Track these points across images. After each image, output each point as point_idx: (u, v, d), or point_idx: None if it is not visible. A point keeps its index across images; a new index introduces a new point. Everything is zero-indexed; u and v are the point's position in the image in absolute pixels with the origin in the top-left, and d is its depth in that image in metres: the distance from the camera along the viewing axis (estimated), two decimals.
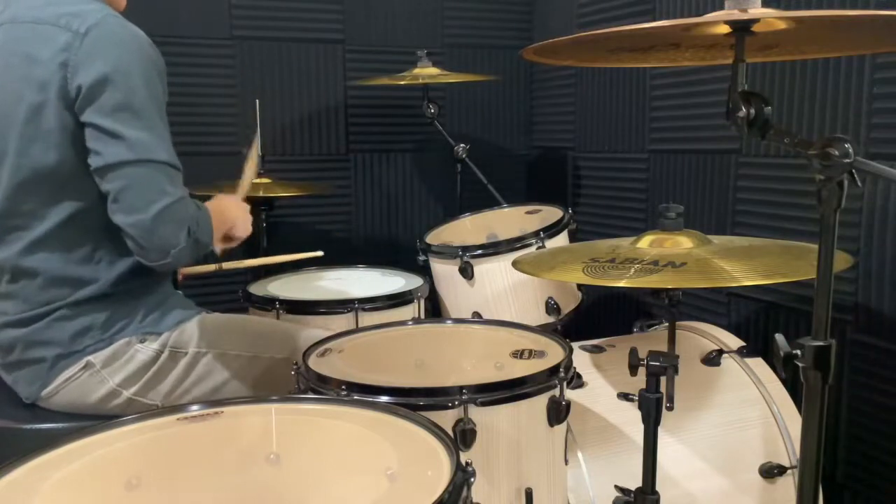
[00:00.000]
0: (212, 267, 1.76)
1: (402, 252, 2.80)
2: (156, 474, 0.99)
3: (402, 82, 2.43)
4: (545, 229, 1.99)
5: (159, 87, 1.38)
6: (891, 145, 1.66)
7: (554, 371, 1.27)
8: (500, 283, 1.99)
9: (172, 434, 1.08)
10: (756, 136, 1.03)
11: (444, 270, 2.08)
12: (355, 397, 1.17)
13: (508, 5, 2.94)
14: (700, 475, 1.50)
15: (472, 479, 0.89)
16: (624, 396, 1.51)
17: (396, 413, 1.08)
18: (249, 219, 1.63)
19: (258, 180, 2.31)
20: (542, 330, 1.51)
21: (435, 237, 2.23)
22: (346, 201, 2.80)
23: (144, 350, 1.46)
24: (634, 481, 1.30)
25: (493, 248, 1.99)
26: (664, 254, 1.28)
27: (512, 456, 1.26)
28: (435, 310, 2.19)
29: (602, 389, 1.56)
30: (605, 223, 2.62)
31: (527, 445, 1.26)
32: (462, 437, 1.18)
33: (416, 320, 1.89)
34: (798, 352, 0.96)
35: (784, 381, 1.60)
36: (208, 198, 1.57)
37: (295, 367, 1.31)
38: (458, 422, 1.19)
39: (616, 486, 1.39)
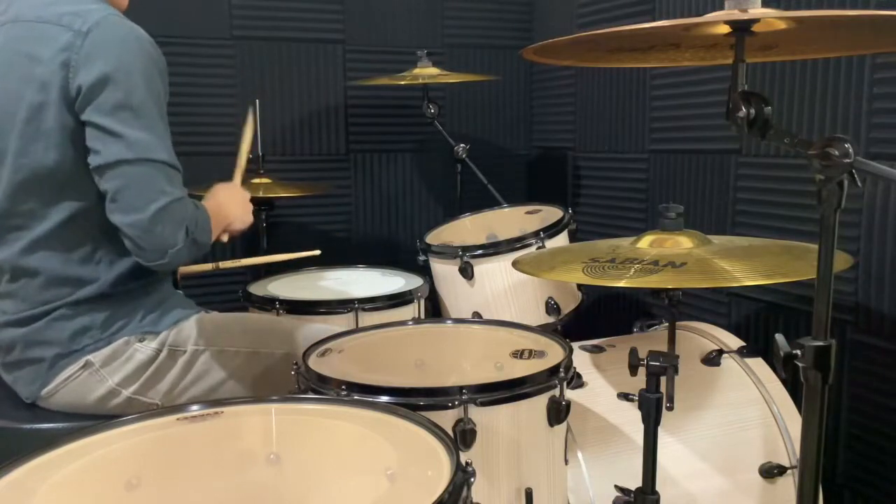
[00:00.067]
0: (209, 266, 1.76)
1: (402, 252, 2.80)
2: (156, 474, 0.99)
3: (402, 82, 2.43)
4: (545, 229, 1.99)
5: (160, 87, 1.38)
6: (891, 145, 1.66)
7: (554, 371, 1.27)
8: (500, 283, 1.99)
9: (172, 434, 1.08)
10: (756, 136, 1.03)
11: (444, 270, 2.08)
12: (355, 397, 1.17)
13: (508, 5, 2.94)
14: (700, 475, 1.50)
15: (472, 479, 0.89)
16: (624, 396, 1.51)
17: (396, 413, 1.08)
18: (249, 208, 1.60)
19: (258, 180, 2.31)
20: (542, 330, 1.51)
21: (435, 237, 2.23)
22: (345, 201, 2.80)
23: (143, 349, 1.46)
24: (634, 481, 1.30)
25: (493, 248, 1.99)
26: (664, 254, 1.28)
27: (512, 456, 1.26)
28: (435, 310, 2.19)
29: (602, 389, 1.56)
30: (605, 223, 2.62)
31: (527, 445, 1.26)
32: (462, 437, 1.18)
33: (416, 320, 1.89)
34: (798, 352, 0.96)
35: (784, 381, 1.60)
36: None
37: (295, 366, 1.31)
38: (458, 422, 1.19)
39: (616, 486, 1.40)
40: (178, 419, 1.10)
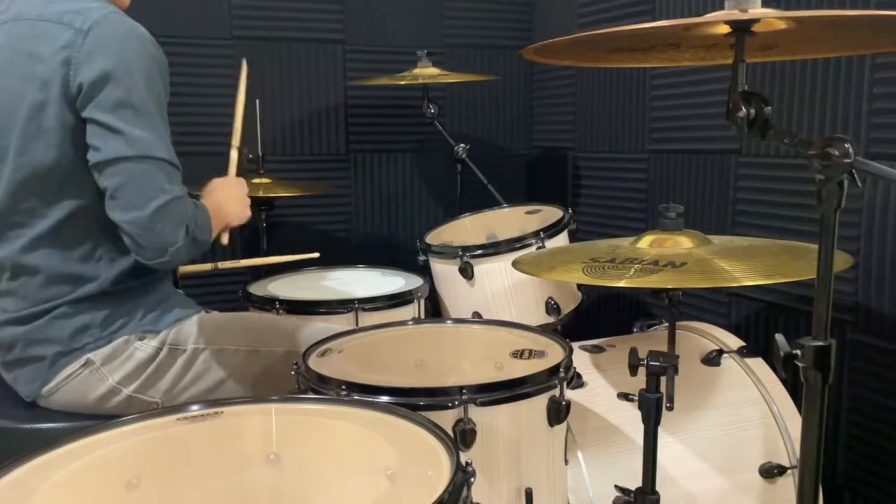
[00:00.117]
0: (208, 266, 1.76)
1: (402, 252, 2.80)
2: (156, 474, 0.99)
3: (402, 82, 2.43)
4: (545, 229, 1.99)
5: (161, 85, 1.38)
6: (891, 145, 1.67)
7: (554, 371, 1.27)
8: (500, 283, 1.99)
9: (172, 434, 1.08)
10: (756, 136, 1.03)
11: (444, 270, 2.08)
12: (355, 397, 1.17)
13: (508, 5, 2.94)
14: (700, 475, 1.50)
15: (472, 479, 0.89)
16: (624, 396, 1.51)
17: (396, 413, 1.08)
18: (247, 203, 1.59)
19: (258, 180, 2.31)
20: (542, 330, 1.51)
21: (435, 237, 2.23)
22: (345, 201, 2.80)
23: (143, 348, 1.46)
24: (634, 481, 1.30)
25: (493, 248, 1.99)
26: (664, 254, 1.28)
27: (512, 456, 1.26)
28: (435, 310, 2.19)
29: (602, 389, 1.56)
30: (605, 223, 2.62)
31: (527, 445, 1.26)
32: (462, 437, 1.18)
33: (416, 320, 1.89)
34: (798, 352, 0.96)
35: (784, 381, 1.60)
36: None
37: (295, 366, 1.31)
38: (458, 422, 1.19)
39: (616, 486, 1.39)
40: (178, 419, 1.10)
